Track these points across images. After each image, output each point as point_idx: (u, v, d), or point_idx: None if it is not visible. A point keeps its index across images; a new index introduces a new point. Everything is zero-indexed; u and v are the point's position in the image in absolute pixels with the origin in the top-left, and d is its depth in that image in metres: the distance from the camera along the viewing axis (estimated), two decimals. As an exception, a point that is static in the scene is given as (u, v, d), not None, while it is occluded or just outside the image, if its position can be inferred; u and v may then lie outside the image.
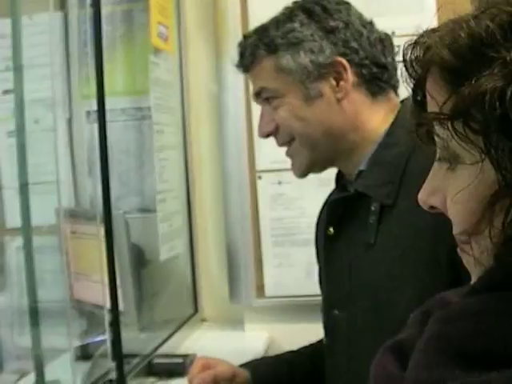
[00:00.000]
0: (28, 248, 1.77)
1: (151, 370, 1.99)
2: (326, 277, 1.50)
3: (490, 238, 0.67)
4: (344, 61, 1.39)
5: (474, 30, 0.67)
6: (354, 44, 1.39)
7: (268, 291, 2.38)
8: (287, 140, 1.47)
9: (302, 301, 2.27)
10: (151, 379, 1.97)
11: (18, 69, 1.81)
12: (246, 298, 2.40)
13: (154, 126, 2.12)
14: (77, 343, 1.93)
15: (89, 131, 2.19)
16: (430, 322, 0.71)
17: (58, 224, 1.77)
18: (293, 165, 1.49)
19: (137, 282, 2.03)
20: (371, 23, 1.45)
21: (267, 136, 1.48)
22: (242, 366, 1.60)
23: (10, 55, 2.14)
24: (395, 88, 1.44)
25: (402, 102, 1.43)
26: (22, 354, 1.96)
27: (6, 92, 2.20)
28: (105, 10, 2.17)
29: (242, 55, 1.47)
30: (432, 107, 0.72)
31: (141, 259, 2.16)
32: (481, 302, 0.67)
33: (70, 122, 2.31)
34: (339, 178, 1.53)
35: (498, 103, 0.63)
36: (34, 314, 1.78)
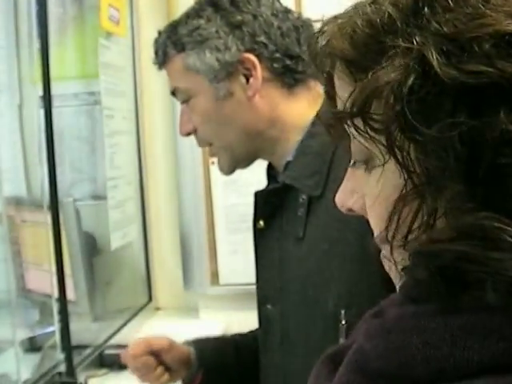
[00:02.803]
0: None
1: (102, 361, 1.96)
2: (258, 271, 1.46)
3: (390, 246, 0.62)
4: (252, 57, 1.33)
5: (371, 16, 0.60)
6: (262, 38, 1.33)
7: (222, 279, 2.36)
8: (204, 145, 1.44)
9: (256, 288, 2.25)
10: (103, 370, 1.95)
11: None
12: (200, 286, 2.38)
13: (103, 111, 2.08)
14: (26, 334, 1.90)
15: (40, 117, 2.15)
16: (359, 331, 0.66)
17: (2, 213, 1.72)
18: (217, 164, 1.46)
19: (89, 270, 2.01)
20: (285, 11, 1.39)
21: (188, 135, 1.45)
22: (185, 342, 1.56)
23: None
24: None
25: None
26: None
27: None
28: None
29: (156, 53, 1.43)
30: (339, 104, 0.66)
31: (93, 247, 2.13)
32: (395, 318, 0.61)
33: (20, 107, 2.26)
34: (269, 169, 1.49)
35: (395, 98, 0.56)
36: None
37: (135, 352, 1.48)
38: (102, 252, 2.16)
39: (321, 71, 0.69)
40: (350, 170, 0.70)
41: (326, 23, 0.67)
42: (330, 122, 0.69)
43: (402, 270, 0.61)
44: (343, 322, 1.21)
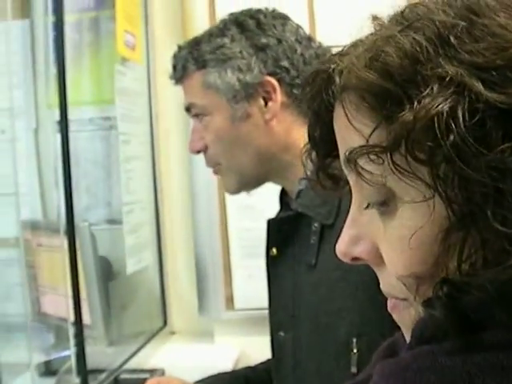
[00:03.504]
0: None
1: (118, 385, 1.96)
2: (271, 298, 1.46)
3: (415, 285, 0.60)
4: (273, 80, 1.34)
5: (404, 46, 0.59)
6: (285, 62, 1.34)
7: (237, 303, 2.35)
8: (213, 164, 1.44)
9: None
10: (117, 395, 1.94)
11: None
12: (215, 311, 2.37)
13: (119, 137, 2.09)
14: (41, 358, 1.90)
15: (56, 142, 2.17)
16: (374, 371, 0.64)
17: (19, 236, 1.73)
18: (224, 184, 1.46)
19: (104, 295, 2.00)
20: (309, 38, 1.40)
21: (198, 152, 1.45)
22: (197, 382, 1.56)
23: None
24: None
25: None
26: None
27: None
28: (72, 18, 2.15)
29: (174, 68, 1.43)
30: (353, 140, 0.63)
31: (108, 272, 2.13)
32: (411, 357, 0.59)
33: (36, 132, 2.27)
34: (283, 195, 1.48)
35: (451, 126, 0.55)
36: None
37: None
38: (117, 276, 2.16)
39: (318, 107, 0.68)
40: (352, 216, 0.68)
41: (323, 62, 0.66)
42: (324, 166, 0.69)
43: (423, 303, 0.60)
44: (355, 351, 1.20)
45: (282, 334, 1.40)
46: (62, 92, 1.56)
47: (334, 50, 0.69)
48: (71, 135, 2.03)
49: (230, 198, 2.31)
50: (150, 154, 2.40)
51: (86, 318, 1.90)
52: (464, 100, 0.55)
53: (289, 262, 1.38)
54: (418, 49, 0.58)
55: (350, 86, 0.62)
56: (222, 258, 2.36)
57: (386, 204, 0.63)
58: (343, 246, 0.68)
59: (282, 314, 1.40)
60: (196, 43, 1.39)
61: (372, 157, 0.60)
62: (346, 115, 0.63)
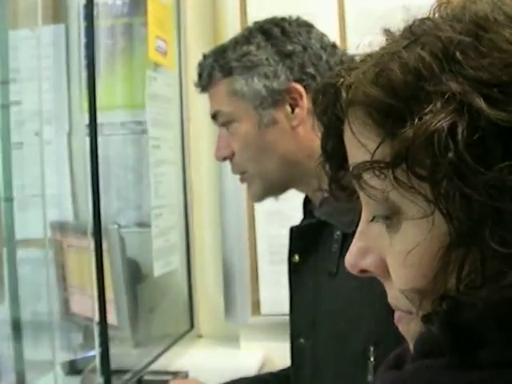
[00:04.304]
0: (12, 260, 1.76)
1: (141, 386, 1.98)
2: (292, 305, 1.47)
3: (417, 299, 0.60)
4: (300, 87, 1.34)
5: (408, 62, 0.59)
6: (311, 69, 1.35)
7: (264, 309, 2.36)
8: (239, 171, 1.45)
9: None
10: (140, 395, 1.96)
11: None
12: (241, 316, 2.38)
13: (150, 141, 2.12)
14: (68, 357, 1.93)
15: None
16: (378, 381, 0.65)
17: (45, 237, 1.76)
18: (248, 191, 1.47)
19: (132, 296, 2.03)
20: (333, 45, 1.41)
21: (224, 160, 1.46)
22: None
23: (16, 67, 2.15)
24: None
25: None
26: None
27: (11, 104, 2.21)
28: (105, 24, 2.18)
29: (199, 76, 1.44)
30: (359, 155, 0.63)
31: (137, 274, 2.16)
32: (412, 371, 0.60)
33: (69, 135, 2.31)
34: (306, 203, 1.49)
35: (449, 144, 0.54)
36: (18, 328, 1.77)
37: None
38: (146, 279, 2.18)
39: (329, 121, 0.68)
40: (361, 228, 0.68)
41: (332, 76, 0.66)
42: (336, 179, 0.69)
43: (422, 318, 0.60)
44: (371, 359, 1.20)
45: (301, 340, 1.40)
46: (92, 96, 1.59)
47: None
48: (103, 139, 2.07)
49: (258, 204, 2.32)
50: (180, 159, 2.43)
51: (113, 319, 1.92)
52: (465, 117, 0.55)
53: (310, 269, 1.38)
54: (422, 65, 0.58)
55: (356, 102, 0.62)
56: (250, 264, 2.36)
57: (390, 218, 0.63)
58: (351, 258, 0.68)
59: (302, 321, 1.41)
60: (222, 51, 1.40)
61: (376, 172, 0.61)
62: (352, 130, 0.64)
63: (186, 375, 2.01)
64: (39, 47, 1.91)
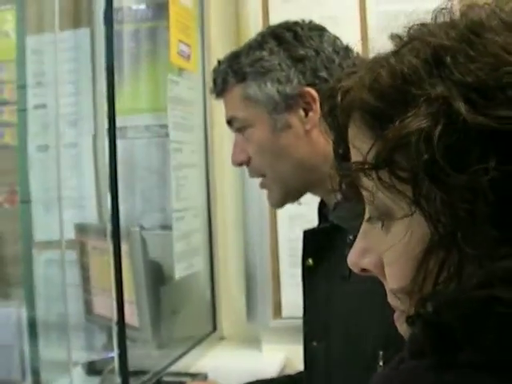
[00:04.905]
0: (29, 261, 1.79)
1: (160, 387, 1.99)
2: (305, 308, 1.48)
3: (411, 299, 0.62)
4: (313, 91, 1.34)
5: (395, 67, 0.61)
6: (323, 73, 1.35)
7: (285, 312, 2.37)
8: (256, 176, 1.45)
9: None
10: (159, 397, 1.97)
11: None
12: (262, 318, 2.40)
13: (171, 145, 2.13)
14: (90, 358, 1.95)
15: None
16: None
17: (61, 238, 1.78)
18: (267, 197, 1.47)
19: (154, 298, 2.04)
20: (346, 48, 1.41)
21: (240, 165, 1.46)
22: None
23: (41, 71, 2.18)
24: None
25: None
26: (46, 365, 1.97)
27: (36, 107, 2.24)
28: (129, 27, 2.20)
29: (214, 81, 1.45)
30: (356, 157, 0.66)
31: (160, 276, 2.17)
32: (399, 371, 0.61)
33: (95, 138, 2.33)
34: (322, 207, 1.49)
35: (424, 146, 0.56)
36: (34, 328, 1.79)
37: None
38: (168, 281, 2.20)
39: (335, 124, 0.69)
40: (363, 228, 0.70)
41: (339, 79, 0.68)
42: (343, 177, 0.69)
43: (406, 319, 0.61)
44: (381, 363, 1.20)
45: (314, 343, 1.41)
46: (111, 99, 1.60)
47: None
48: (128, 142, 2.08)
49: (280, 207, 2.33)
50: (203, 162, 2.44)
51: (135, 321, 1.94)
52: (444, 120, 0.56)
53: (324, 273, 1.39)
54: (409, 70, 0.59)
55: (352, 106, 0.64)
56: (271, 267, 2.38)
57: (382, 219, 0.65)
58: (353, 257, 0.71)
59: (315, 324, 1.41)
60: (235, 57, 1.41)
61: (366, 173, 0.62)
62: (350, 134, 0.66)
63: (205, 377, 2.02)
64: (59, 52, 1.93)
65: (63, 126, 2.16)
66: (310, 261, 1.43)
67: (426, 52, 0.60)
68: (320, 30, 1.42)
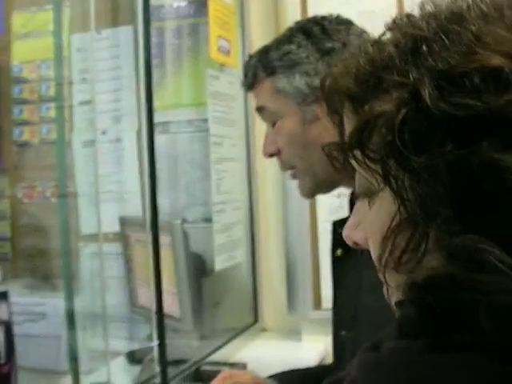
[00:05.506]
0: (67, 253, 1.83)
1: (198, 376, 2.02)
2: (335, 298, 1.50)
3: (383, 273, 0.65)
4: None
5: (373, 55, 0.64)
6: None
7: (325, 303, 2.39)
8: (287, 168, 1.48)
9: (358, 313, 2.26)
10: (196, 385, 2.01)
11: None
12: (303, 310, 2.42)
13: (211, 139, 2.16)
14: (132, 347, 1.99)
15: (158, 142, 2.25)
16: (355, 360, 0.67)
17: (99, 233, 1.82)
18: (298, 187, 1.49)
19: (195, 290, 2.07)
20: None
21: (271, 156, 1.48)
22: (270, 376, 1.61)
23: (86, 68, 2.23)
24: None
25: None
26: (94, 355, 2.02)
27: (82, 103, 2.28)
28: (171, 24, 2.24)
29: (245, 75, 1.48)
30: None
31: (202, 268, 2.20)
32: (389, 352, 0.62)
33: (139, 133, 2.37)
34: (353, 198, 1.50)
35: (387, 129, 0.59)
36: (75, 319, 1.84)
37: None
38: (211, 273, 2.23)
39: (332, 110, 0.72)
40: (356, 205, 0.73)
41: (336, 64, 0.70)
42: (334, 154, 0.72)
43: (395, 304, 0.66)
44: None
45: (343, 333, 1.43)
46: (149, 96, 1.64)
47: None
48: (171, 136, 2.12)
49: (320, 200, 2.34)
50: (245, 156, 2.47)
51: (176, 312, 1.98)
52: (410, 104, 0.58)
53: (353, 263, 1.39)
54: (384, 58, 0.63)
55: (340, 92, 0.68)
56: (311, 259, 2.40)
57: (366, 195, 0.69)
58: (346, 231, 0.76)
59: (344, 314, 1.43)
60: (265, 51, 1.44)
61: (346, 153, 0.67)
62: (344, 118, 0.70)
63: (244, 367, 2.04)
64: (104, 49, 1.97)
65: (108, 122, 2.20)
66: (339, 251, 1.44)
67: (404, 41, 0.63)
68: (347, 23, 1.43)
